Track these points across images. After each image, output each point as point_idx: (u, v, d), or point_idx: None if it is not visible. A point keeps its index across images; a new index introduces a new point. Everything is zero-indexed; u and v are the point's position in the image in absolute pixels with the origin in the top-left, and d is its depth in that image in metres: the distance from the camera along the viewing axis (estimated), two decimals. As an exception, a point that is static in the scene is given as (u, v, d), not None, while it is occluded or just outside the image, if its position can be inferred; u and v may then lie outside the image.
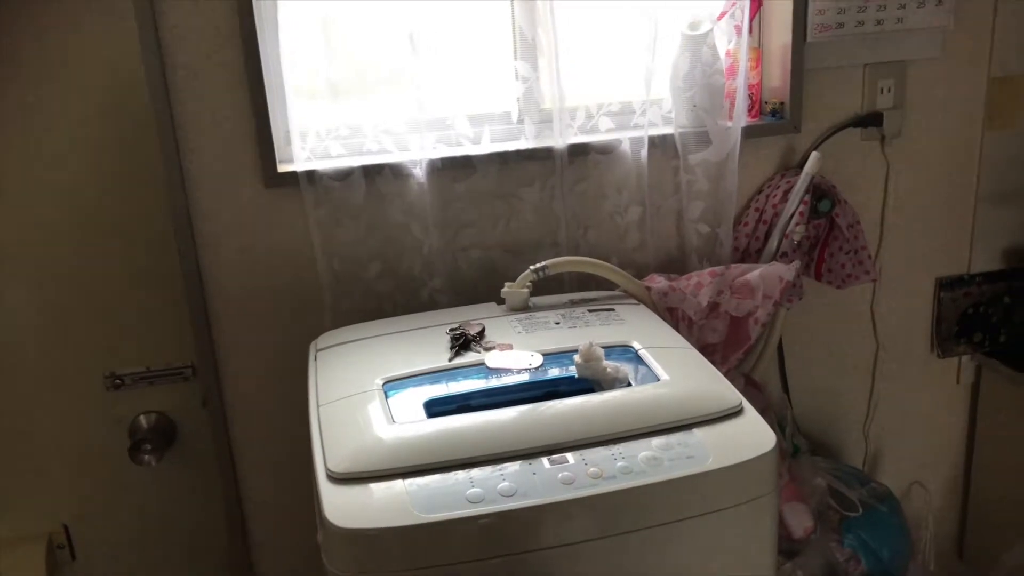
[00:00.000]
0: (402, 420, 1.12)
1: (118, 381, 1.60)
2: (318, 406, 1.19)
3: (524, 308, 1.45)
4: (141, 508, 1.68)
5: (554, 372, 1.24)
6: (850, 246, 1.69)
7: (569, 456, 1.05)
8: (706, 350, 1.49)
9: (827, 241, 1.70)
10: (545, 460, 1.04)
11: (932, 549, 1.78)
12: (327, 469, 1.04)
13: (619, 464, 1.04)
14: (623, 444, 1.07)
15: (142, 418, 1.63)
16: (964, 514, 2.06)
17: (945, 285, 1.88)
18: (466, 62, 1.58)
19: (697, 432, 1.09)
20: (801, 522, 1.56)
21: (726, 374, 1.28)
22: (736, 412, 1.13)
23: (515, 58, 1.59)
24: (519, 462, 1.04)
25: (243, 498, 1.67)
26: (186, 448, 1.66)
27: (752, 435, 1.10)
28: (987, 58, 1.75)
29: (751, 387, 1.62)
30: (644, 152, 1.59)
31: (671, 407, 1.12)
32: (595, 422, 1.10)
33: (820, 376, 1.87)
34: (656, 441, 1.07)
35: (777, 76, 1.70)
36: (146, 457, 1.60)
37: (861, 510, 1.60)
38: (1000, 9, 1.72)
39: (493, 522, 0.97)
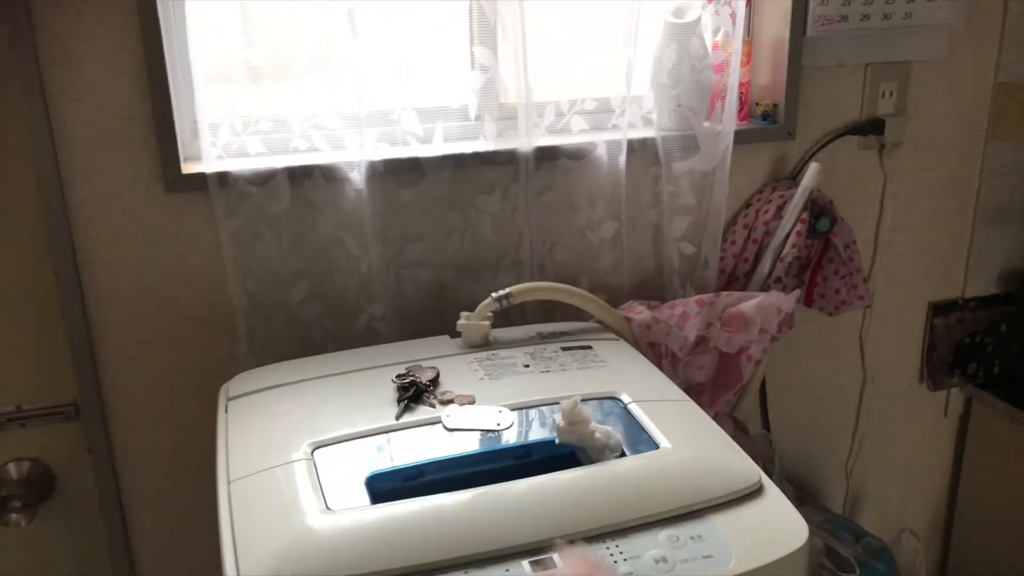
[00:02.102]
0: (339, 506, 0.87)
1: (-18, 422, 1.31)
2: (228, 482, 0.93)
3: (484, 344, 1.22)
4: (6, 572, 1.39)
5: (530, 433, 1.00)
6: (845, 269, 1.50)
7: (556, 558, 0.82)
8: (692, 391, 1.28)
9: (820, 263, 1.51)
10: (526, 564, 0.81)
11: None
12: (239, 578, 0.78)
13: (622, 570, 0.81)
14: (623, 539, 0.85)
15: (11, 467, 1.36)
16: (944, 554, 1.91)
17: (939, 310, 1.72)
18: (415, 46, 1.34)
19: (713, 520, 0.87)
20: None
21: (714, 418, 1.07)
22: (755, 491, 0.92)
23: (472, 42, 1.34)
24: (494, 567, 0.80)
25: (135, 562, 1.39)
26: (66, 502, 1.39)
27: (778, 522, 0.90)
28: (994, 62, 1.60)
29: (739, 432, 1.42)
30: (622, 158, 1.37)
31: (679, 486, 0.90)
32: (588, 509, 0.87)
33: (802, 410, 1.70)
34: (664, 534, 0.85)
35: (768, 74, 1.50)
36: (14, 516, 1.34)
37: (858, 571, 1.41)
38: (1011, 8, 1.55)
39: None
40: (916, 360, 1.75)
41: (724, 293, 1.36)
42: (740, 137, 1.44)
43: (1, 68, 1.16)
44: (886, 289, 1.67)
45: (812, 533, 1.37)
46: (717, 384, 1.35)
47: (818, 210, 1.44)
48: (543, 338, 1.25)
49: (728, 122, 1.40)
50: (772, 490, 0.93)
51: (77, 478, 1.38)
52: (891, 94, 1.53)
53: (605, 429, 0.98)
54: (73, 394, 1.33)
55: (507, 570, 0.80)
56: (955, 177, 1.66)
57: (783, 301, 1.31)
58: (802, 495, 1.70)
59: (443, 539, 0.82)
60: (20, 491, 1.34)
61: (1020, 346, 1.69)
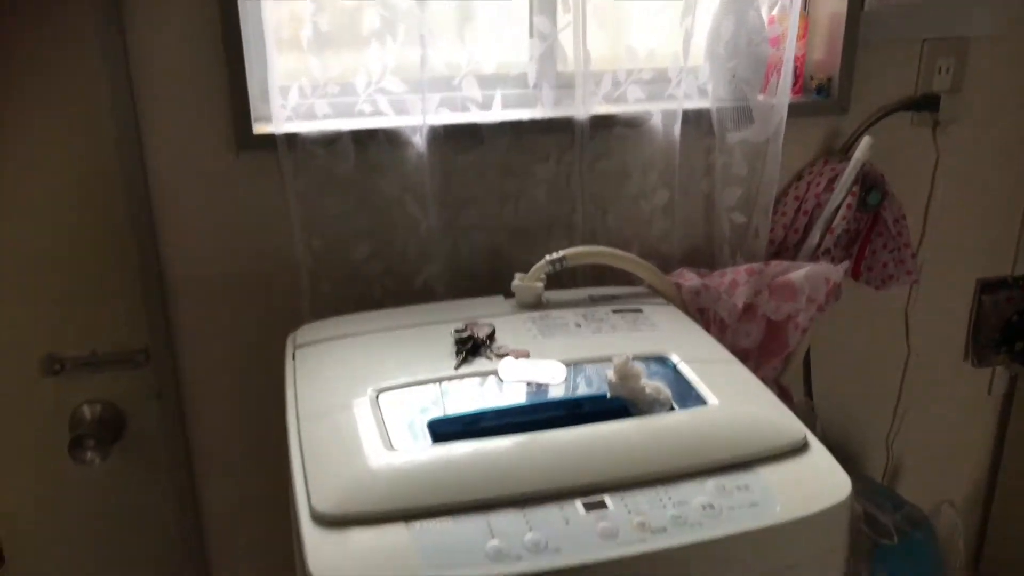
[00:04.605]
0: (403, 446, 0.92)
1: (58, 366, 1.39)
2: (298, 421, 0.99)
3: (537, 305, 1.26)
4: (81, 508, 1.48)
5: (581, 388, 1.05)
6: (894, 243, 1.51)
7: (608, 500, 0.86)
8: (738, 357, 1.31)
9: (868, 237, 1.53)
10: (579, 504, 0.86)
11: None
12: (312, 508, 0.84)
13: (670, 513, 0.85)
14: (672, 486, 0.89)
15: (85, 408, 1.43)
16: (983, 531, 1.92)
17: (987, 288, 1.73)
18: (478, 13, 1.37)
19: (760, 472, 0.91)
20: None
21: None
22: (801, 447, 0.95)
23: (532, 12, 1.37)
24: (548, 506, 0.85)
25: (200, 503, 1.47)
26: (135, 443, 1.46)
27: (823, 476, 0.94)
28: (1054, 39, 1.58)
29: (784, 398, 1.44)
30: (677, 128, 1.40)
31: (726, 439, 0.94)
32: (639, 456, 0.91)
33: (846, 382, 1.72)
34: (711, 483, 0.89)
35: (823, 48, 1.51)
36: (89, 453, 1.41)
37: (896, 537, 1.44)
38: (1073, -17, 1.54)
39: (521, 587, 0.79)
40: (962, 336, 1.76)
41: (773, 262, 1.38)
42: (793, 110, 1.46)
43: (86, 33, 1.22)
44: (934, 265, 1.68)
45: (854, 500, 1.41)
46: (764, 351, 1.38)
47: (869, 184, 1.46)
48: (594, 301, 1.29)
49: (782, 95, 1.42)
50: (817, 447, 0.97)
51: (146, 421, 1.45)
52: (947, 70, 1.53)
53: (655, 385, 1.02)
54: (145, 342, 1.40)
55: (561, 508, 0.85)
56: (1009, 155, 1.66)
57: (831, 272, 1.34)
58: (843, 464, 1.72)
59: (500, 478, 0.87)
60: (93, 431, 1.41)
61: (1068, 325, 1.69)
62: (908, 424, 1.78)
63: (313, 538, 0.82)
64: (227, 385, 1.42)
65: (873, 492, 1.54)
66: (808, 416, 1.60)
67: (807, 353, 1.64)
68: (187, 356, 1.41)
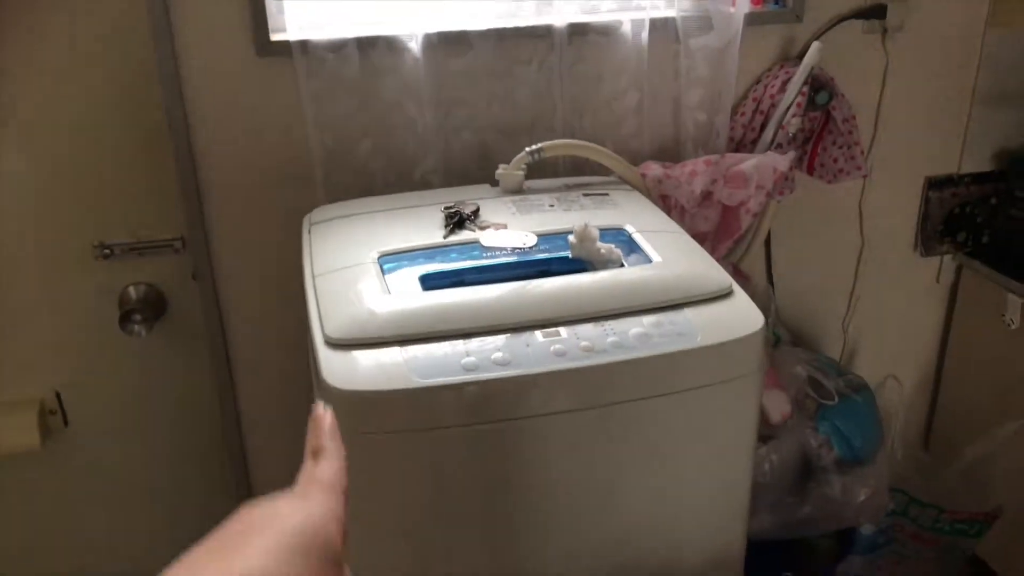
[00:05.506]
0: (399, 292, 1.13)
1: (107, 251, 1.59)
2: (314, 276, 1.20)
3: (519, 190, 1.45)
4: (132, 377, 1.70)
5: (548, 252, 1.25)
6: (844, 141, 1.68)
7: (562, 331, 1.07)
8: (697, 238, 1.49)
9: (821, 135, 1.70)
10: (538, 333, 1.07)
11: (900, 440, 1.85)
12: (325, 335, 1.06)
13: (610, 339, 1.06)
14: (615, 321, 1.09)
15: (131, 289, 1.64)
16: (932, 409, 2.13)
17: (934, 184, 1.89)
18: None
19: (687, 312, 1.11)
20: (779, 408, 1.62)
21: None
22: (726, 294, 1.15)
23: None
24: (513, 335, 1.06)
25: (233, 369, 1.70)
26: (176, 320, 1.67)
27: (740, 316, 1.13)
28: (996, -49, 1.72)
29: (738, 277, 1.64)
30: (645, 35, 1.56)
31: (662, 287, 1.14)
32: (588, 299, 1.11)
33: (804, 270, 1.90)
34: (647, 319, 1.10)
35: (782, -38, 1.66)
36: (136, 327, 1.61)
37: (837, 399, 1.65)
38: None
39: (486, 389, 1.00)
40: (912, 229, 1.94)
41: (729, 155, 1.56)
42: (752, 19, 1.61)
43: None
44: (885, 163, 1.84)
45: (797, 364, 1.62)
46: (719, 233, 1.58)
47: (818, 85, 1.63)
48: (568, 188, 1.48)
49: (741, 4, 1.58)
50: (740, 294, 1.16)
51: (186, 300, 1.64)
52: (895, -20, 1.68)
53: (608, 247, 1.21)
54: (181, 229, 1.59)
55: (523, 336, 1.05)
56: (955, 61, 1.80)
57: (778, 161, 1.52)
58: (802, 344, 1.92)
59: (475, 314, 1.07)
60: (139, 307, 1.60)
61: (1008, 217, 1.85)
62: (862, 309, 1.97)
63: (327, 357, 1.03)
64: (255, 265, 1.60)
65: (821, 362, 1.74)
66: (766, 299, 1.80)
67: (768, 244, 1.83)
68: (219, 242, 1.59)
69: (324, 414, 0.51)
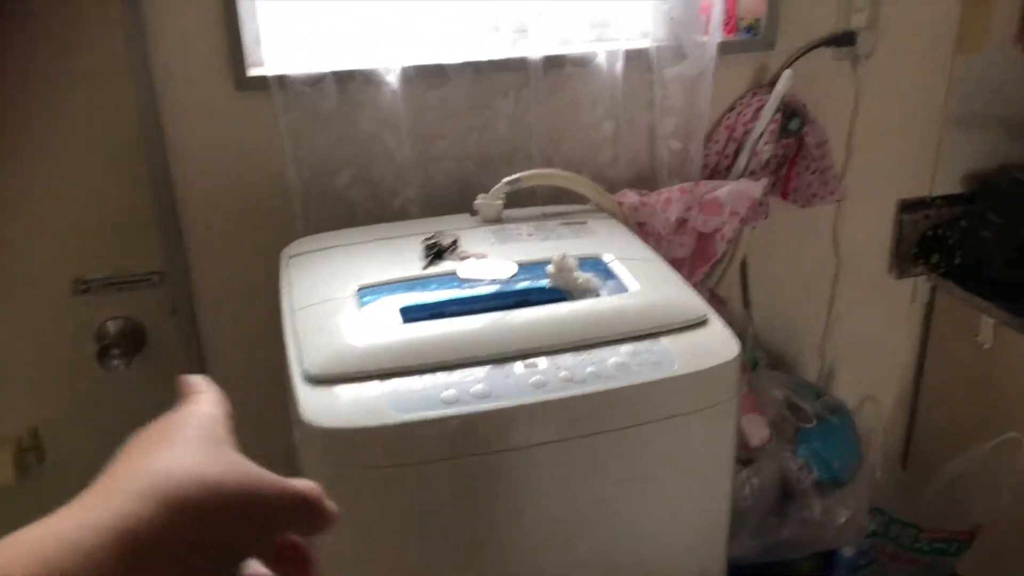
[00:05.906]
0: (378, 325, 1.14)
1: (85, 286, 1.58)
2: (293, 311, 1.20)
3: (497, 220, 1.46)
4: (111, 412, 1.67)
5: (527, 282, 1.26)
6: (817, 166, 1.71)
7: (541, 361, 1.08)
8: (673, 264, 1.51)
9: (795, 160, 1.73)
10: (518, 365, 1.07)
11: (880, 460, 1.87)
12: (303, 371, 1.06)
13: (589, 369, 1.07)
14: (593, 351, 1.10)
15: (109, 323, 1.63)
16: (910, 429, 2.15)
17: (907, 207, 1.92)
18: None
19: (664, 340, 1.12)
20: (757, 432, 1.63)
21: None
22: (702, 322, 1.17)
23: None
24: (492, 366, 1.07)
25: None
26: (156, 354, 1.66)
27: (716, 344, 1.14)
28: (961, -21, 1.76)
29: (715, 302, 1.65)
30: (619, 65, 1.58)
31: (639, 316, 1.15)
32: (566, 329, 1.12)
33: (781, 293, 1.92)
34: (625, 348, 1.11)
35: (753, -8, 1.69)
36: (115, 362, 1.59)
37: (815, 421, 1.67)
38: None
39: (467, 422, 1.01)
40: (886, 251, 1.96)
41: (703, 182, 1.59)
42: (725, 48, 1.64)
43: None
44: (859, 187, 1.86)
45: (775, 387, 1.64)
46: (695, 259, 1.60)
47: (791, 111, 1.65)
48: (547, 217, 1.49)
49: (713, 33, 1.60)
50: (716, 322, 1.17)
51: (165, 334, 1.63)
52: (864, 8, 1.72)
53: (587, 276, 1.23)
54: (160, 263, 1.58)
55: (503, 368, 1.06)
56: (924, 86, 1.83)
57: (752, 188, 1.54)
58: (780, 367, 1.94)
59: (455, 346, 1.08)
60: (118, 342, 1.59)
61: (979, 239, 1.88)
62: (839, 331, 1.99)
63: (304, 392, 1.04)
64: (233, 299, 1.61)
65: (798, 385, 1.76)
66: (743, 322, 1.81)
67: (744, 268, 1.85)
68: (198, 276, 1.59)
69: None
